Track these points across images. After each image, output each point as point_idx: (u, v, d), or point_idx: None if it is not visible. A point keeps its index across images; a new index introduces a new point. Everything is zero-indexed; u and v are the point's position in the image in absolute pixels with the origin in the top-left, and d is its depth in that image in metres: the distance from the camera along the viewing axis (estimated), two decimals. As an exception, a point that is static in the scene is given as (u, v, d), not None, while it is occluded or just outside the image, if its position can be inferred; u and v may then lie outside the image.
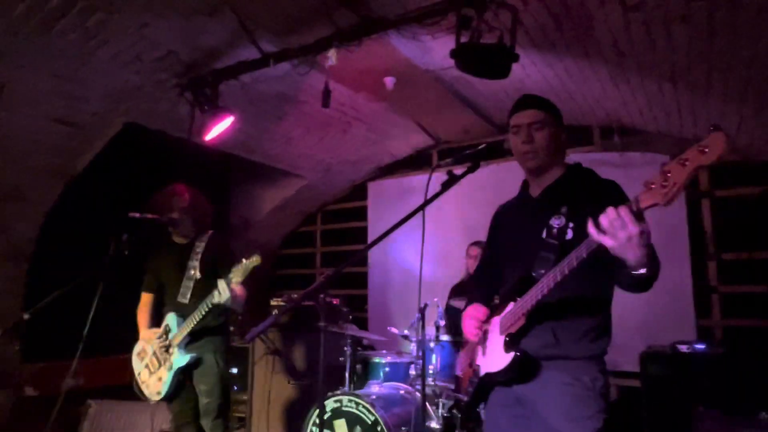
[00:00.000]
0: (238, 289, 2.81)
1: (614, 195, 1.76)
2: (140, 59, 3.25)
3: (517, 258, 1.89)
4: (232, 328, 3.12)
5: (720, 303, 4.07)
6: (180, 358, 2.87)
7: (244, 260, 2.70)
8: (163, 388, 2.90)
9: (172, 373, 2.88)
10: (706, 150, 1.24)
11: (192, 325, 2.84)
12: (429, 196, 1.82)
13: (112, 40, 3.03)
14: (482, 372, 1.89)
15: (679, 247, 4.08)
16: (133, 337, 3.20)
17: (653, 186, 1.32)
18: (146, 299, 3.19)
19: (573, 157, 4.44)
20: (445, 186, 1.83)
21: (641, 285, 1.55)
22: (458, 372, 2.14)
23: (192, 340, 2.91)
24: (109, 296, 2.87)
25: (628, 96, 3.74)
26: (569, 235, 1.76)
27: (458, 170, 1.84)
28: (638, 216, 1.36)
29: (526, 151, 1.85)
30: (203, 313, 2.80)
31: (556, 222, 1.79)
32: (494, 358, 1.84)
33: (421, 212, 1.82)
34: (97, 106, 3.53)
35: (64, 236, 4.05)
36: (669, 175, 1.29)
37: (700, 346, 3.49)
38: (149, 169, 4.40)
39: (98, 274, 2.84)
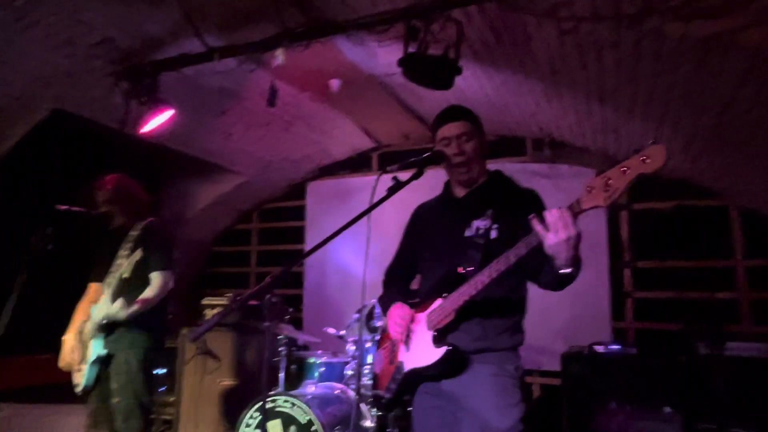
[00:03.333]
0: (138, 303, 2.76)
1: (536, 202, 1.94)
2: (73, 43, 3.09)
3: (440, 255, 1.99)
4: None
5: (633, 307, 4.41)
6: (93, 351, 2.77)
7: None
8: (83, 380, 2.80)
9: (88, 366, 2.77)
10: (648, 160, 1.39)
11: (98, 319, 2.74)
12: (375, 200, 1.87)
13: (43, 22, 2.87)
14: (407, 368, 1.95)
15: (599, 254, 4.38)
16: (54, 335, 3.02)
17: (593, 190, 1.47)
18: (91, 290, 3.05)
19: (506, 166, 4.68)
20: (391, 191, 1.89)
21: (562, 283, 1.69)
22: (376, 370, 2.19)
23: (107, 333, 2.79)
24: (30, 292, 2.71)
25: (560, 112, 3.97)
26: (493, 235, 1.89)
27: (403, 175, 1.90)
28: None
29: (458, 162, 1.96)
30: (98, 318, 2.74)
31: (481, 223, 1.92)
32: (421, 353, 1.91)
33: (363, 214, 1.88)
34: (22, 89, 3.31)
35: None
36: (610, 181, 1.44)
37: (615, 347, 3.76)
38: (76, 158, 4.17)
39: (18, 269, 2.68)
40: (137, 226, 2.95)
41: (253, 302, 1.56)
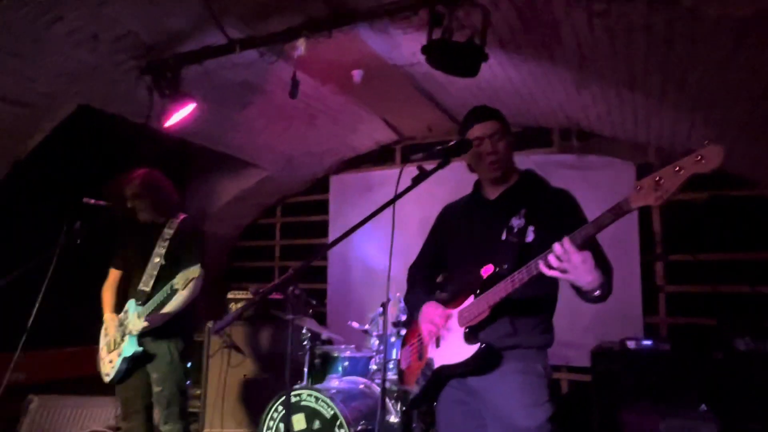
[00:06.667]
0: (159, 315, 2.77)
1: (568, 202, 1.94)
2: (97, 38, 3.11)
3: (473, 255, 1.95)
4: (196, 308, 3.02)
5: (665, 301, 4.28)
6: (129, 348, 2.79)
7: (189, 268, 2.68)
8: (112, 372, 2.83)
9: (120, 359, 2.80)
10: (703, 160, 1.36)
11: (146, 323, 2.76)
12: (399, 190, 1.83)
13: (67, 17, 2.88)
14: (437, 364, 1.92)
15: (630, 248, 4.26)
16: (83, 328, 3.06)
17: (642, 189, 1.46)
18: (113, 276, 3.07)
19: (533, 158, 4.59)
20: (416, 181, 1.87)
21: (595, 302, 1.72)
22: (403, 366, 2.17)
23: (143, 334, 2.81)
24: (59, 286, 2.74)
25: (589, 101, 3.86)
26: (530, 237, 1.87)
27: (428, 166, 1.86)
28: (583, 245, 1.54)
29: (492, 161, 1.94)
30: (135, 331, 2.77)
31: (515, 222, 1.89)
32: (452, 350, 1.87)
33: (392, 205, 1.83)
34: (49, 85, 3.35)
35: (9, 222, 3.82)
36: (662, 180, 1.42)
37: (647, 342, 3.66)
38: (104, 154, 4.22)
39: (47, 263, 2.71)
40: (171, 224, 2.96)
41: (276, 295, 1.54)
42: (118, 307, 2.97)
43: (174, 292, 2.75)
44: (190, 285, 2.73)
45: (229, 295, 4.62)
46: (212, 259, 5.87)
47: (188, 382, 4.57)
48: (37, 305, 2.69)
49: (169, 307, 2.77)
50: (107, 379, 2.87)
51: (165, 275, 2.82)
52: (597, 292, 1.64)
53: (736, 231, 4.02)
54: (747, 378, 3.15)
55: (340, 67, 3.69)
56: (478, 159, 1.96)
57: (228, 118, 4.28)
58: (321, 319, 5.27)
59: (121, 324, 2.87)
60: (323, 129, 4.79)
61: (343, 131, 4.96)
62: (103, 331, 2.99)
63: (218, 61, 3.32)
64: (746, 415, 3.14)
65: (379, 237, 4.26)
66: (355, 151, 5.50)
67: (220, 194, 5.57)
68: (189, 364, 4.50)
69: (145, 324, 2.74)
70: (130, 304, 2.86)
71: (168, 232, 2.94)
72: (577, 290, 1.69)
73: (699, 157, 1.36)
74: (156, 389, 2.83)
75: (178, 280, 2.68)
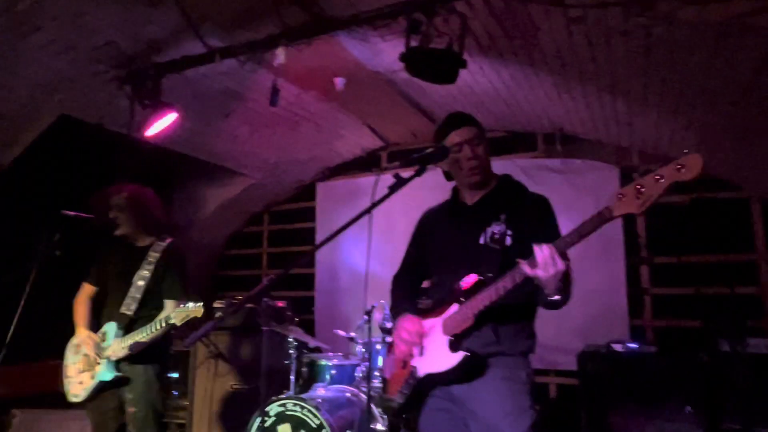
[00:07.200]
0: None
1: (547, 209, 1.97)
2: (75, 48, 3.08)
3: (454, 262, 1.96)
4: (173, 330, 2.92)
5: (651, 304, 4.29)
6: (107, 373, 2.69)
7: (188, 304, 2.59)
8: (82, 393, 2.73)
9: (94, 383, 2.71)
10: (683, 169, 1.40)
11: (128, 351, 2.69)
12: (376, 198, 1.82)
13: (44, 27, 2.86)
14: (421, 373, 1.91)
15: (615, 251, 4.27)
16: (63, 341, 3.00)
17: (624, 197, 1.50)
18: (87, 291, 2.96)
19: (518, 162, 4.59)
20: (392, 189, 1.84)
21: (553, 306, 1.76)
22: (386, 375, 2.15)
23: (119, 360, 2.74)
24: (38, 299, 2.69)
25: (571, 105, 3.87)
26: (508, 241, 1.88)
27: (406, 173, 1.85)
28: (564, 255, 1.59)
29: (473, 166, 1.94)
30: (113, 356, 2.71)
31: (496, 228, 1.90)
32: (436, 358, 1.87)
33: (368, 214, 1.83)
34: (27, 96, 3.31)
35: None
36: (643, 189, 1.47)
37: (633, 345, 3.66)
38: (86, 164, 4.17)
39: (25, 275, 2.67)
40: (156, 247, 2.86)
41: (249, 305, 1.52)
42: (93, 325, 2.88)
43: (169, 326, 2.65)
44: (168, 310, 2.68)
45: (215, 304, 4.57)
46: (199, 268, 5.83)
47: (174, 393, 4.56)
48: (16, 319, 2.64)
49: (149, 337, 2.68)
50: (74, 400, 2.76)
51: (148, 300, 2.75)
52: (555, 297, 1.68)
53: (719, 233, 4.05)
54: (732, 379, 3.16)
55: (322, 74, 3.67)
56: (456, 165, 1.97)
57: (211, 127, 4.25)
58: (310, 326, 5.24)
59: (98, 345, 2.76)
60: (308, 136, 4.78)
61: (327, 138, 4.94)
62: (72, 348, 2.88)
63: (199, 69, 3.30)
64: (730, 415, 3.15)
65: (365, 244, 4.25)
66: (341, 158, 5.49)
67: (205, 202, 5.53)
68: (175, 375, 4.46)
69: (127, 352, 2.67)
70: (110, 327, 2.75)
71: (153, 255, 2.84)
72: (539, 293, 1.72)
73: (679, 167, 1.40)
74: (129, 410, 2.72)
75: (177, 316, 2.60)
